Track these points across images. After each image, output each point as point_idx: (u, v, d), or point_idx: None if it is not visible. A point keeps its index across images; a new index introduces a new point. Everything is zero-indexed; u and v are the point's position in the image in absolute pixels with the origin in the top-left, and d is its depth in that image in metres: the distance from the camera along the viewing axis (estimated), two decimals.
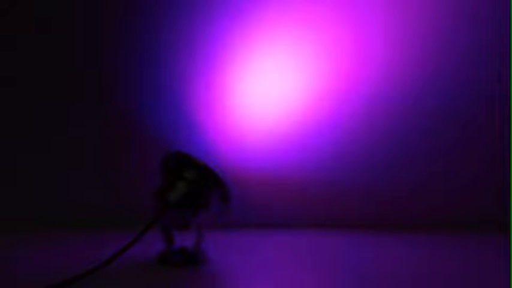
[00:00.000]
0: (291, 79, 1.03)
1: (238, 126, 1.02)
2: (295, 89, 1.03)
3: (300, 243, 0.91)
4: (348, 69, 1.03)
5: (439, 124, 1.05)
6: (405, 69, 1.04)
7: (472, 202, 1.06)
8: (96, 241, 0.86)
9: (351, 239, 0.94)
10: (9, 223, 0.95)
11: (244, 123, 1.02)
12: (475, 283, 0.67)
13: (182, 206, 0.69)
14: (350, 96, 1.04)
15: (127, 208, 0.97)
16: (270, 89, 1.02)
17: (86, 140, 1.00)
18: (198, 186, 0.70)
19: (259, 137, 1.02)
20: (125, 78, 1.00)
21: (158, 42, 1.00)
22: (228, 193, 0.72)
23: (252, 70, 1.01)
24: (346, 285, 0.67)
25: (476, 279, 0.69)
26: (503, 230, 0.97)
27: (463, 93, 1.05)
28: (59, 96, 1.00)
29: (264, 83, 1.02)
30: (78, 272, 0.62)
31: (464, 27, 1.03)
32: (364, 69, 1.03)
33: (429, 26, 1.03)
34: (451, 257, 0.82)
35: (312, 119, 1.03)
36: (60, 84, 1.00)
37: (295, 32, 1.01)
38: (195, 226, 0.72)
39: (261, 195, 1.02)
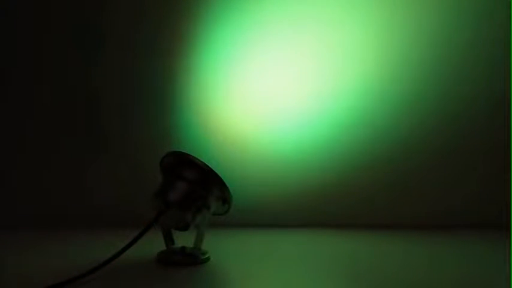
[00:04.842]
0: (290, 78, 1.03)
1: (237, 126, 1.02)
2: (295, 88, 1.03)
3: (299, 243, 0.91)
4: (350, 68, 1.03)
5: (440, 123, 1.05)
6: (409, 67, 1.04)
7: (472, 202, 1.06)
8: (96, 241, 0.86)
9: (350, 238, 0.94)
10: (9, 224, 0.95)
11: (243, 123, 1.02)
12: (475, 283, 0.67)
13: (182, 206, 0.69)
14: (351, 95, 1.04)
15: (127, 208, 0.97)
16: (270, 89, 1.03)
17: (86, 140, 1.00)
18: (198, 186, 0.70)
19: (258, 136, 1.03)
20: (120, 77, 1.01)
21: (157, 41, 1.00)
22: (227, 193, 0.72)
23: (251, 70, 1.02)
24: (346, 285, 0.67)
25: (476, 279, 0.69)
26: (503, 230, 0.97)
27: (464, 93, 1.05)
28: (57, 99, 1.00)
29: (263, 83, 1.02)
30: (78, 272, 0.62)
31: (468, 24, 1.03)
32: (367, 68, 1.03)
33: (431, 24, 1.03)
34: (451, 257, 0.82)
35: (312, 118, 1.03)
36: (53, 85, 1.00)
37: (294, 31, 1.02)
38: (195, 226, 0.72)
39: (260, 194, 1.02)
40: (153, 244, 0.75)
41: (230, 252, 0.81)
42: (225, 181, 0.70)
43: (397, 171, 1.05)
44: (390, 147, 1.04)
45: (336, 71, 1.03)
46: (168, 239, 0.75)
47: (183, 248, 0.75)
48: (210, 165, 0.70)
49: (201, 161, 0.70)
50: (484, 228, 1.01)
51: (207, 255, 0.74)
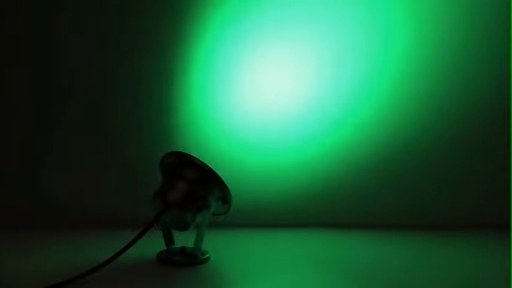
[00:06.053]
0: (292, 78, 1.03)
1: (237, 126, 1.02)
2: (297, 88, 1.03)
3: (299, 243, 0.91)
4: (356, 68, 1.03)
5: (443, 124, 1.05)
6: (419, 66, 1.04)
7: (473, 202, 1.06)
8: (96, 241, 0.86)
9: (351, 239, 0.94)
10: (9, 224, 0.95)
11: (243, 122, 1.02)
12: (475, 283, 0.67)
13: (182, 206, 0.69)
14: (354, 94, 1.04)
15: (127, 208, 0.97)
16: (271, 88, 1.03)
17: (86, 140, 1.00)
18: (198, 186, 0.70)
19: (259, 136, 1.03)
20: (120, 78, 1.01)
21: (156, 41, 1.00)
22: (227, 193, 0.72)
23: (251, 70, 1.02)
24: (347, 285, 0.67)
25: (476, 279, 0.69)
26: (503, 230, 0.97)
27: (465, 94, 1.06)
28: (56, 96, 1.00)
29: (264, 83, 1.02)
30: (78, 272, 0.62)
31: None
32: (373, 67, 1.04)
33: (440, 23, 1.03)
34: (451, 257, 0.82)
35: (313, 118, 1.03)
36: (54, 85, 1.00)
37: (296, 30, 1.02)
38: (195, 226, 0.72)
39: (260, 194, 1.02)
40: (153, 244, 0.75)
41: (230, 252, 0.81)
42: (225, 181, 0.70)
43: (399, 172, 1.05)
44: (393, 147, 1.05)
45: (341, 71, 1.03)
46: (168, 239, 0.75)
47: (183, 248, 0.75)
48: (210, 166, 0.70)
49: (201, 161, 0.70)
50: (487, 228, 1.01)
51: (207, 255, 0.74)
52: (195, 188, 0.70)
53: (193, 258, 0.73)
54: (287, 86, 1.03)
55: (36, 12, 0.98)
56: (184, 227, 0.71)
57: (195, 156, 0.70)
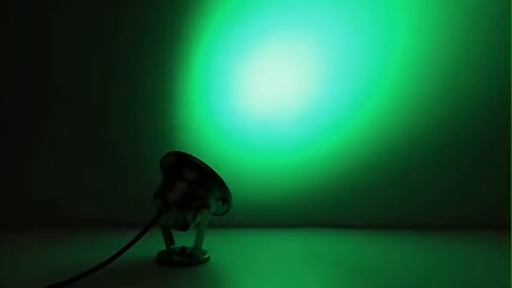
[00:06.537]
0: (292, 78, 1.03)
1: (237, 126, 1.02)
2: (297, 88, 1.03)
3: (299, 243, 0.91)
4: (357, 68, 1.03)
5: (444, 124, 1.06)
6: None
7: (472, 202, 1.06)
8: (97, 241, 0.86)
9: (351, 239, 0.94)
10: (10, 223, 0.95)
11: (244, 122, 1.02)
12: (475, 283, 0.67)
13: (182, 206, 0.69)
14: (355, 95, 1.04)
15: (127, 208, 0.97)
16: (271, 89, 1.03)
17: (86, 141, 1.00)
18: (198, 186, 0.70)
19: (259, 136, 1.03)
20: (120, 78, 1.01)
21: (158, 42, 1.00)
22: (227, 193, 0.72)
23: (252, 69, 1.02)
24: (347, 285, 0.67)
25: (476, 279, 0.69)
26: (503, 230, 0.97)
27: (466, 96, 1.06)
28: (53, 95, 1.00)
29: (265, 83, 1.02)
30: (79, 272, 0.62)
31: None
32: (375, 68, 1.04)
33: (440, 24, 1.03)
34: (451, 257, 0.82)
35: (313, 118, 1.04)
36: (50, 84, 1.00)
37: (296, 30, 1.02)
38: (195, 226, 0.72)
39: (260, 195, 1.02)
40: (153, 244, 0.75)
41: (230, 252, 0.81)
42: (224, 181, 0.70)
43: (400, 173, 1.05)
44: (394, 148, 1.05)
45: (342, 71, 1.03)
46: (168, 239, 0.75)
47: (183, 248, 0.75)
48: (209, 166, 0.70)
49: (201, 161, 0.70)
50: (487, 228, 1.01)
51: (207, 255, 0.74)
52: (195, 188, 0.70)
53: (193, 258, 0.73)
54: (287, 86, 1.03)
55: (35, 11, 0.98)
56: (184, 227, 0.71)
57: (195, 156, 0.70)
